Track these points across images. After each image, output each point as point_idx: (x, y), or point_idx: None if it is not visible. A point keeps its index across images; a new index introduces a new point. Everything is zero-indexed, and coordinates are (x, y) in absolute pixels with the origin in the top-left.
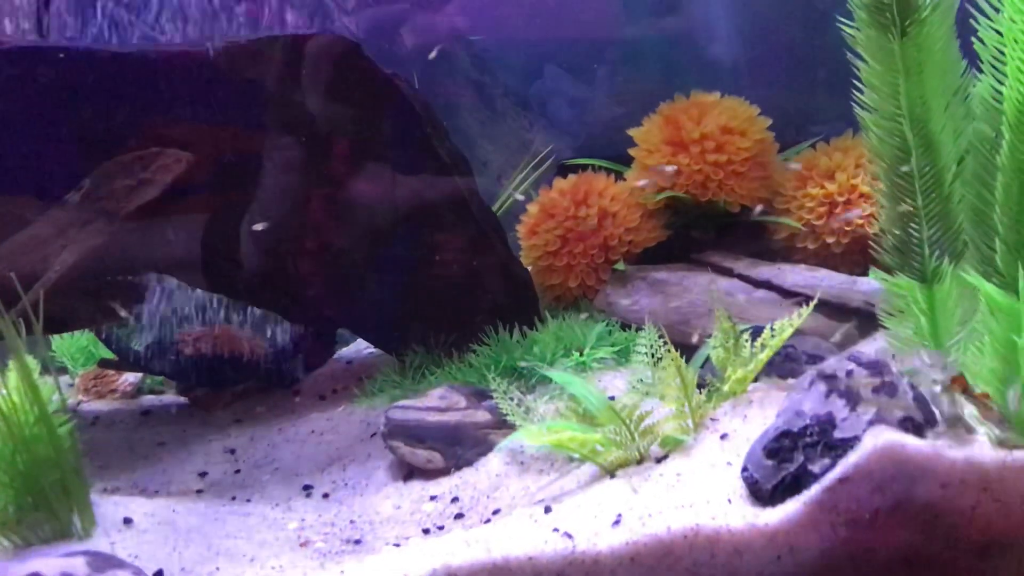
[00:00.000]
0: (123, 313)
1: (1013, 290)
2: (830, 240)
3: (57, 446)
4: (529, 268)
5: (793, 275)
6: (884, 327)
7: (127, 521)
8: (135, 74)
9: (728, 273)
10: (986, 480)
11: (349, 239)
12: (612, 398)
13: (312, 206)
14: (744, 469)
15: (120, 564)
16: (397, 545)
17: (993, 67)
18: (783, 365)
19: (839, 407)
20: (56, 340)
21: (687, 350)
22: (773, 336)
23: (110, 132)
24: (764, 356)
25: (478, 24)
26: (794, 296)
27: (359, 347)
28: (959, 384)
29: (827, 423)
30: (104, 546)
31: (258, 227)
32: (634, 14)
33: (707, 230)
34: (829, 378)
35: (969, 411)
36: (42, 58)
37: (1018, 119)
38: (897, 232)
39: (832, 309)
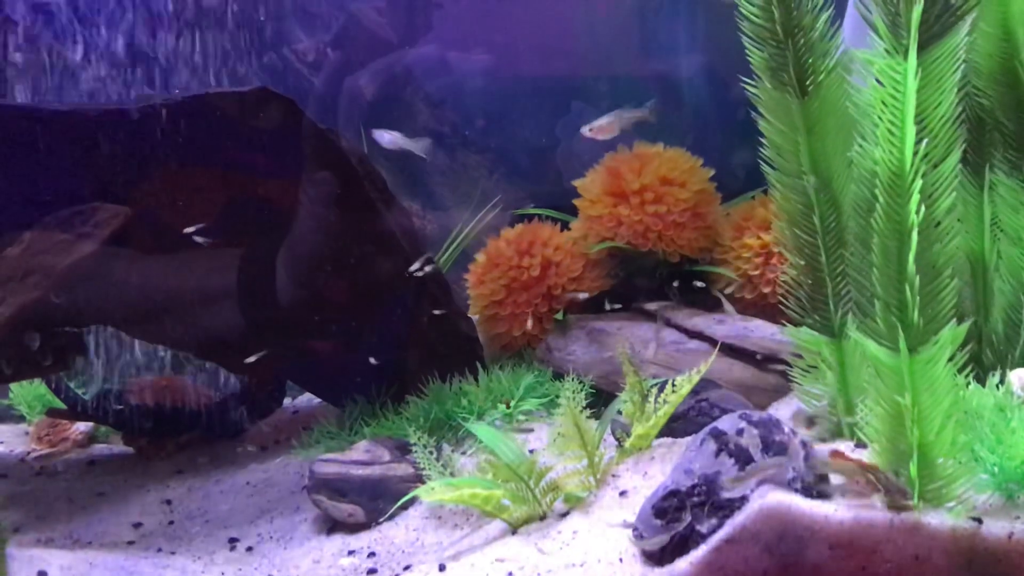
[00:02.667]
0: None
1: (896, 350)
2: (766, 290)
3: None
4: (476, 317)
5: (725, 326)
6: (796, 383)
7: (41, 575)
8: (68, 132)
9: (666, 323)
10: (875, 541)
11: (288, 292)
12: (532, 451)
13: (252, 261)
14: (635, 528)
15: None
16: None
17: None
18: (696, 419)
19: (728, 466)
20: (14, 388)
21: None
22: (674, 391)
23: (42, 189)
24: (663, 412)
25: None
26: (727, 347)
27: (310, 396)
28: (838, 454)
29: (715, 482)
30: None
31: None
32: (593, 56)
33: (652, 279)
34: (719, 436)
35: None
36: None
37: (891, 182)
38: (804, 287)
39: (762, 360)
